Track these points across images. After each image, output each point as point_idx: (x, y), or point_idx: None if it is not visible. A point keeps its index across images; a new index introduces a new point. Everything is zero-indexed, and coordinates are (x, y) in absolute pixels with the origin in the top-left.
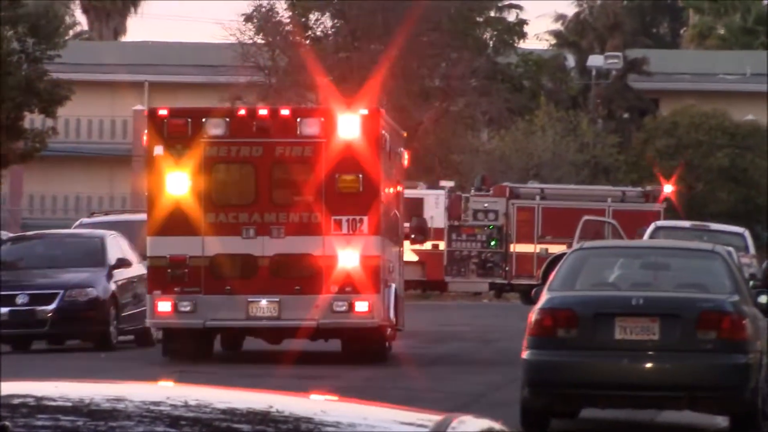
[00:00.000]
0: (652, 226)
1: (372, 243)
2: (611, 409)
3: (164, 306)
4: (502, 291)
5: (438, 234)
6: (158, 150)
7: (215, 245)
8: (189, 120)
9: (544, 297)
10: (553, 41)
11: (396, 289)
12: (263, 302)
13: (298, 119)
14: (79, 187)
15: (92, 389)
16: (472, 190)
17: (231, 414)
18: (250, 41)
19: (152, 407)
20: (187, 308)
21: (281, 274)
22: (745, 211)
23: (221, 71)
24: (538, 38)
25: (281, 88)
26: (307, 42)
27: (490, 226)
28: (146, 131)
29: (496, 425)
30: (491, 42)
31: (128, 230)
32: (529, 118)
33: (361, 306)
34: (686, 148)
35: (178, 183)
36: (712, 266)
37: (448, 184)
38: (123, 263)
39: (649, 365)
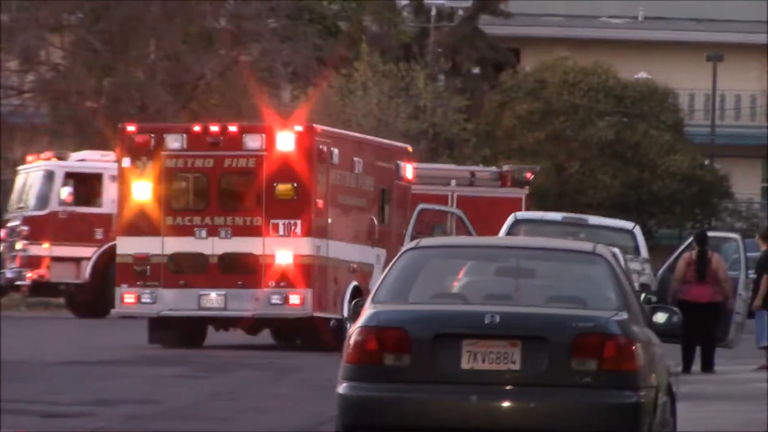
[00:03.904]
0: (511, 219)
1: (305, 244)
2: None
3: (129, 298)
4: None
5: None
6: (126, 162)
7: (173, 245)
8: (152, 135)
9: (367, 311)
10: None
11: (357, 287)
12: (212, 295)
13: (244, 135)
14: None
15: None
16: None
17: None
18: None
19: None
20: (148, 300)
21: (228, 270)
22: (635, 199)
23: None
24: None
25: (15, 28)
26: None
27: None
28: (117, 146)
29: None
30: None
31: None
32: (347, 73)
33: (294, 299)
34: (557, 115)
35: (143, 190)
36: (592, 273)
37: None
38: None
39: (506, 404)
